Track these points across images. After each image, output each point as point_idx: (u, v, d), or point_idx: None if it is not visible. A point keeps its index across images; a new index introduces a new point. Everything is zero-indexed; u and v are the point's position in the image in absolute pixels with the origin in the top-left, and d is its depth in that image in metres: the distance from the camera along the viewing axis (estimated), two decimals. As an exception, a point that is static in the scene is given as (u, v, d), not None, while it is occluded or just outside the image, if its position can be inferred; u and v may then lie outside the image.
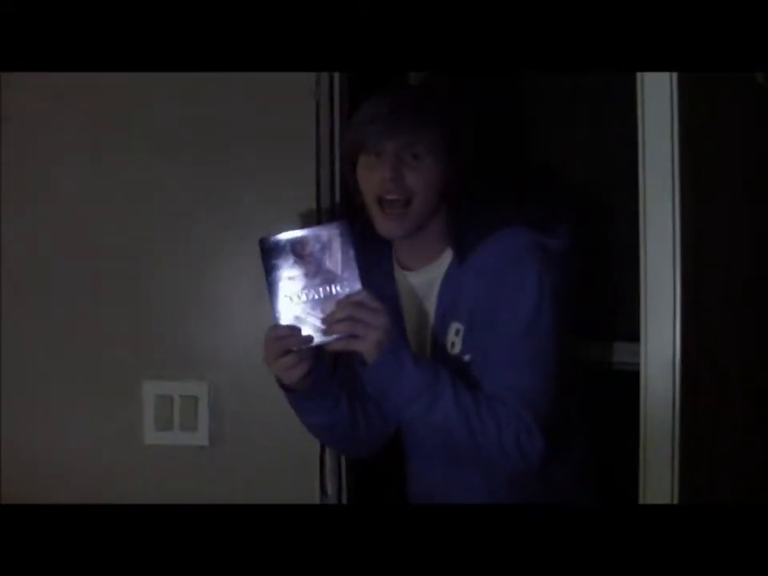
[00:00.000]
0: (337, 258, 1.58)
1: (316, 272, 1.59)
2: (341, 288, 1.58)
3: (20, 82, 2.03)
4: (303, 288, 1.59)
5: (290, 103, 2.00)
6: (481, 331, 1.72)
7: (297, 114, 2.00)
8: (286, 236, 1.59)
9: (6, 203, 2.07)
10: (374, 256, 1.85)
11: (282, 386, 1.69)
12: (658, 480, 1.60)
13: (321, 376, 1.68)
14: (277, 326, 1.60)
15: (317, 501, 2.01)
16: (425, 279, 1.82)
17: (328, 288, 1.59)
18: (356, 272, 1.58)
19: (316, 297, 1.59)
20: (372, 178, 1.74)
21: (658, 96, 1.57)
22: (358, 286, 1.58)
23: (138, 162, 2.04)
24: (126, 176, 2.05)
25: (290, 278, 1.59)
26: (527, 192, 2.38)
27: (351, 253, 1.58)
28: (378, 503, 2.16)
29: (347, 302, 1.58)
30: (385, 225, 1.75)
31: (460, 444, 1.65)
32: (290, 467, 2.02)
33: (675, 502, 1.57)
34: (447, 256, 1.80)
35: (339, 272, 1.58)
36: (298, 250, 1.59)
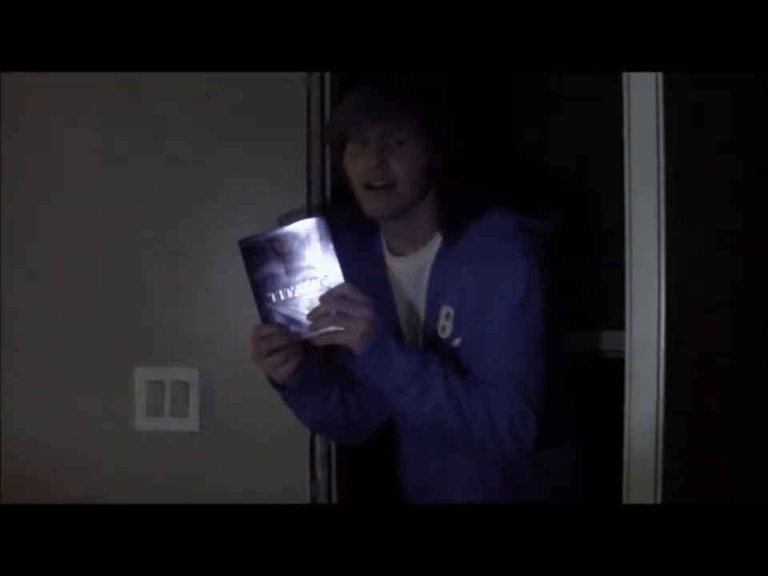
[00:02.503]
0: (317, 252, 1.59)
1: (297, 269, 1.59)
2: (323, 282, 1.59)
3: (20, 82, 2.03)
4: (286, 285, 1.60)
5: (282, 92, 2.00)
6: (471, 314, 1.73)
7: (288, 103, 2.01)
8: (264, 235, 1.60)
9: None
10: (364, 243, 1.87)
11: (273, 383, 1.70)
12: (642, 475, 1.61)
13: (310, 371, 1.70)
14: (262, 325, 1.61)
15: (306, 486, 2.03)
16: (416, 264, 1.83)
17: (311, 283, 1.60)
18: (337, 265, 1.59)
19: (299, 293, 1.60)
20: (358, 166, 1.75)
21: (643, 89, 1.57)
22: (340, 278, 1.59)
23: (131, 151, 2.05)
24: (119, 166, 2.05)
25: (272, 277, 1.60)
26: (515, 177, 2.40)
27: (330, 246, 1.59)
28: (368, 493, 2.17)
29: (330, 296, 1.59)
30: (370, 204, 1.75)
31: (452, 431, 1.66)
32: (279, 453, 2.03)
33: (659, 497, 1.58)
34: (437, 240, 1.80)
35: (321, 266, 1.59)
36: (277, 249, 1.59)
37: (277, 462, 2.04)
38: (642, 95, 1.57)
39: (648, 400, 1.62)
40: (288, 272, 1.59)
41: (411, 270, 1.84)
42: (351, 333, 1.59)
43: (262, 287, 1.60)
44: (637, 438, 1.63)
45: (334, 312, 1.58)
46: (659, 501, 1.57)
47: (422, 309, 1.82)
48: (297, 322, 1.60)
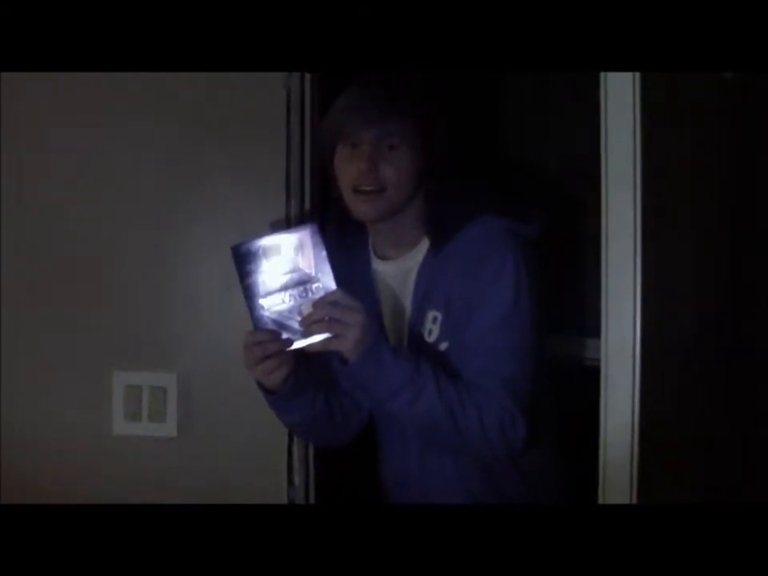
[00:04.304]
0: (310, 259, 1.60)
1: (290, 275, 1.61)
2: (316, 289, 1.60)
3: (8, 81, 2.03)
4: (279, 291, 1.61)
5: (262, 93, 2.00)
6: (459, 319, 1.74)
7: (268, 104, 2.01)
8: (257, 242, 1.61)
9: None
10: (351, 246, 1.89)
11: (263, 388, 1.71)
12: (617, 480, 1.62)
13: (300, 376, 1.71)
14: (255, 332, 1.62)
15: (284, 491, 2.02)
16: (402, 268, 1.84)
17: (303, 290, 1.61)
18: (330, 272, 1.60)
19: (292, 299, 1.61)
20: (348, 169, 1.76)
21: (620, 89, 1.58)
22: (332, 285, 1.60)
23: (109, 154, 2.04)
24: (98, 168, 2.05)
25: (265, 283, 1.61)
26: (503, 182, 2.41)
27: (324, 253, 1.60)
28: (346, 496, 2.17)
29: (323, 302, 1.60)
30: (359, 207, 1.77)
31: (444, 434, 1.67)
32: (257, 458, 2.03)
33: (634, 499, 1.59)
34: (424, 245, 1.82)
35: (313, 273, 1.60)
36: (270, 255, 1.61)
37: (254, 467, 2.03)
38: (619, 96, 1.58)
39: (624, 405, 1.62)
40: (280, 278, 1.61)
41: (397, 273, 1.85)
42: (345, 339, 1.60)
43: (254, 293, 1.61)
44: (612, 441, 1.63)
45: (327, 318, 1.59)
46: (635, 501, 1.58)
47: (407, 312, 1.83)
48: (289, 329, 1.61)
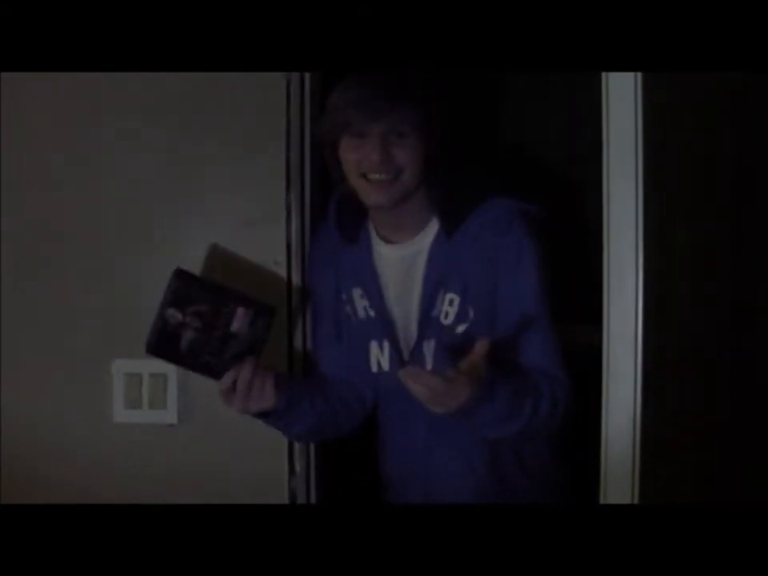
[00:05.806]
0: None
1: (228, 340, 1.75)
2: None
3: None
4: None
5: (261, 83, 1.97)
6: (480, 302, 1.75)
7: (267, 94, 1.99)
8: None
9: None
10: (351, 231, 1.88)
11: (261, 415, 1.75)
12: (620, 470, 1.62)
13: (290, 385, 1.74)
14: (226, 375, 1.72)
15: (285, 479, 2.03)
16: (409, 252, 1.83)
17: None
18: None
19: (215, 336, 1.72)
20: (358, 159, 1.75)
21: (622, 87, 1.57)
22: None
23: (109, 145, 2.03)
24: (97, 157, 2.03)
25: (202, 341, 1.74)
26: (509, 165, 2.40)
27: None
28: (348, 485, 2.18)
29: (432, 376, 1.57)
30: (372, 195, 1.76)
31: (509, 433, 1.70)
32: (258, 446, 2.02)
33: (636, 497, 1.59)
34: (431, 228, 1.81)
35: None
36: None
37: (255, 454, 2.03)
38: (621, 90, 1.57)
39: (626, 393, 1.62)
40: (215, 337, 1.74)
41: (404, 257, 1.84)
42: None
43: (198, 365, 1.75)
44: (614, 434, 1.63)
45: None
46: (636, 501, 1.58)
47: (415, 296, 1.83)
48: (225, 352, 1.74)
